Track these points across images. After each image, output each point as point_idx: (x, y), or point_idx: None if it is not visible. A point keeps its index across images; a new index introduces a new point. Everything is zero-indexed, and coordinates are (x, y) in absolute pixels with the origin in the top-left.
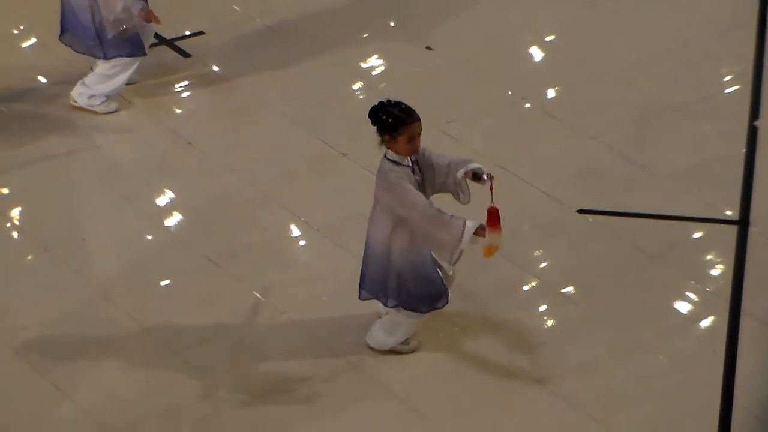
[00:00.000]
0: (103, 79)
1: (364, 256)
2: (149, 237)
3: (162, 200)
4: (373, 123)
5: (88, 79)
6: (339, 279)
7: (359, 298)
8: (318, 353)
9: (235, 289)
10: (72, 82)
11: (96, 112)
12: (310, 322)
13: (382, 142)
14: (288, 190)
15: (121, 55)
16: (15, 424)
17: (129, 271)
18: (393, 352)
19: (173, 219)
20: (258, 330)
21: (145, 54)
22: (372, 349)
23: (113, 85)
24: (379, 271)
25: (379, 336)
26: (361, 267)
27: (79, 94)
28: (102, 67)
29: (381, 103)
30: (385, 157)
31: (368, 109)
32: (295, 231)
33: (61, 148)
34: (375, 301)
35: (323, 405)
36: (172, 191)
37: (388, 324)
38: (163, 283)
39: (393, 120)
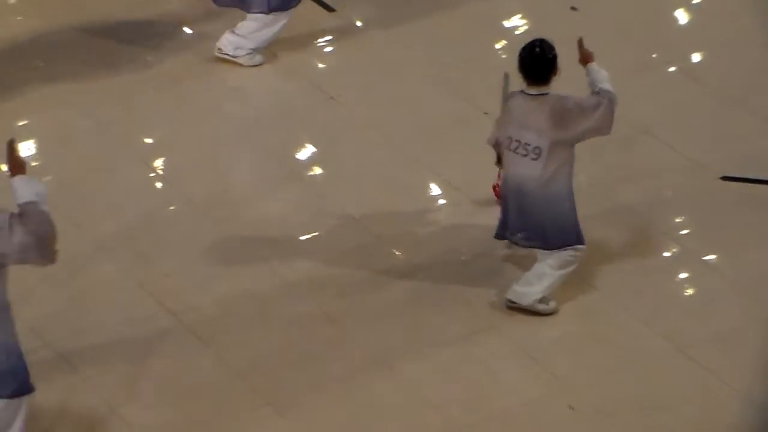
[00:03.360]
0: (256, 28)
1: (523, 202)
2: (289, 191)
3: (303, 155)
4: (545, 62)
5: (240, 29)
6: (477, 237)
7: (517, 243)
8: (457, 311)
9: (375, 246)
10: (215, 36)
11: (241, 64)
12: (450, 280)
13: (551, 77)
14: (429, 148)
15: (281, 9)
16: (159, 371)
17: (270, 222)
18: (533, 312)
19: (314, 174)
20: (399, 287)
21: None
22: (512, 305)
23: (264, 36)
24: (542, 214)
25: (522, 288)
26: (512, 215)
27: (228, 43)
28: (256, 17)
29: (536, 42)
30: (545, 93)
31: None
32: (435, 189)
33: (204, 99)
34: (511, 258)
35: (460, 363)
36: (314, 146)
37: (532, 276)
38: (303, 237)
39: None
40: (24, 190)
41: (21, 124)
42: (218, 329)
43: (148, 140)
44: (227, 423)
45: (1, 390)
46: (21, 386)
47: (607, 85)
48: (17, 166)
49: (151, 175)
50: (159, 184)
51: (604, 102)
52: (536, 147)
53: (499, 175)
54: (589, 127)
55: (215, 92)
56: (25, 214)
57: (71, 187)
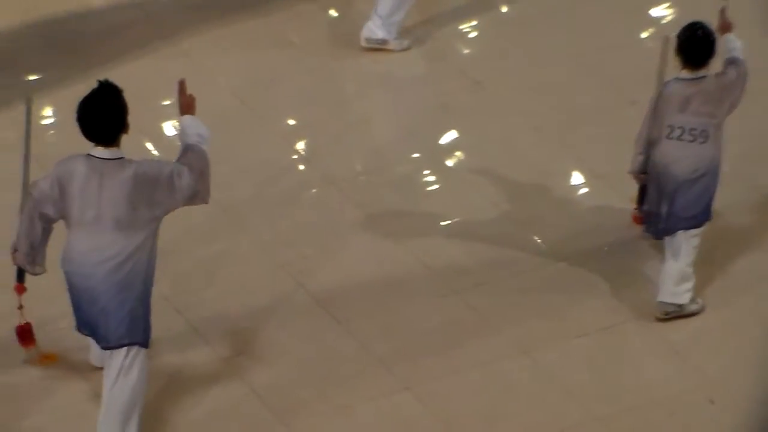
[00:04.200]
0: (393, 5)
1: (676, 192)
2: (432, 176)
3: (446, 140)
4: (708, 45)
5: (381, 8)
6: (618, 229)
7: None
8: (596, 303)
9: (517, 233)
10: (362, 17)
11: (391, 50)
12: (591, 270)
13: (711, 59)
14: (573, 135)
15: None
16: (299, 352)
17: (412, 207)
18: (682, 316)
19: (457, 159)
20: (538, 276)
21: None
22: (666, 316)
23: (401, 14)
24: (696, 196)
25: (670, 295)
26: (678, 205)
27: (375, 27)
28: None
29: (697, 25)
30: (704, 76)
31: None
32: (579, 178)
33: (350, 83)
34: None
35: (599, 354)
36: (457, 131)
37: (673, 278)
38: (443, 222)
39: None
40: (190, 130)
41: (165, 103)
42: (357, 313)
43: (292, 122)
44: (365, 405)
45: (130, 337)
46: (146, 338)
47: (740, 54)
48: (186, 105)
49: (294, 157)
50: (301, 166)
51: (742, 71)
52: (703, 130)
53: (637, 204)
54: (737, 99)
55: (361, 75)
56: (187, 152)
57: (216, 165)
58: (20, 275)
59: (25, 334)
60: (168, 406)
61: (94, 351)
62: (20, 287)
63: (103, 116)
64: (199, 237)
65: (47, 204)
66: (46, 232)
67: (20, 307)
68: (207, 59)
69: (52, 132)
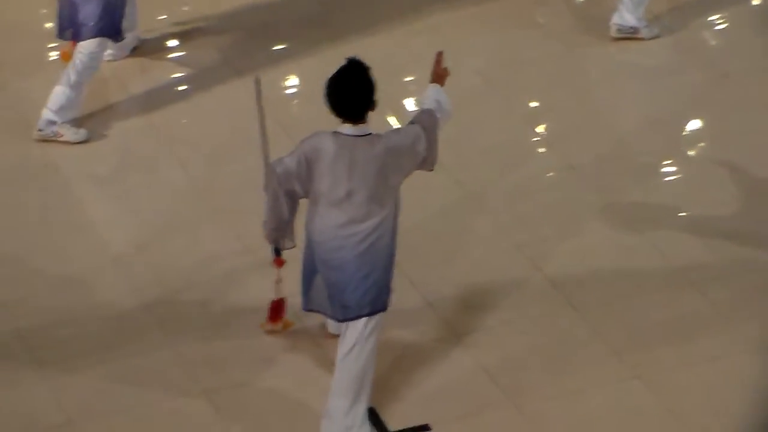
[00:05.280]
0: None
1: None
2: (671, 167)
3: (689, 130)
4: None
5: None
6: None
7: None
8: (686, 298)
9: (756, 230)
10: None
11: (641, 38)
12: (691, 268)
13: None
14: None
15: None
16: (529, 335)
17: (648, 198)
18: None
19: (698, 151)
20: (640, 275)
21: None
22: None
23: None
24: None
25: None
26: None
27: (629, 14)
28: None
29: None
30: None
31: None
32: None
33: (594, 71)
34: None
35: (695, 351)
36: (701, 122)
37: None
38: (682, 214)
39: None
40: (432, 95)
41: (408, 78)
42: (592, 299)
43: (535, 104)
44: (595, 391)
45: (373, 305)
46: (386, 304)
47: None
48: (438, 75)
49: (535, 139)
50: (542, 149)
51: None
52: None
53: None
54: None
55: (607, 63)
56: (422, 116)
57: (457, 143)
58: (277, 250)
59: (277, 309)
60: (398, 378)
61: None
62: (279, 261)
63: (353, 94)
64: (437, 214)
65: (293, 181)
66: (292, 207)
67: (278, 281)
68: (454, 37)
69: (296, 102)
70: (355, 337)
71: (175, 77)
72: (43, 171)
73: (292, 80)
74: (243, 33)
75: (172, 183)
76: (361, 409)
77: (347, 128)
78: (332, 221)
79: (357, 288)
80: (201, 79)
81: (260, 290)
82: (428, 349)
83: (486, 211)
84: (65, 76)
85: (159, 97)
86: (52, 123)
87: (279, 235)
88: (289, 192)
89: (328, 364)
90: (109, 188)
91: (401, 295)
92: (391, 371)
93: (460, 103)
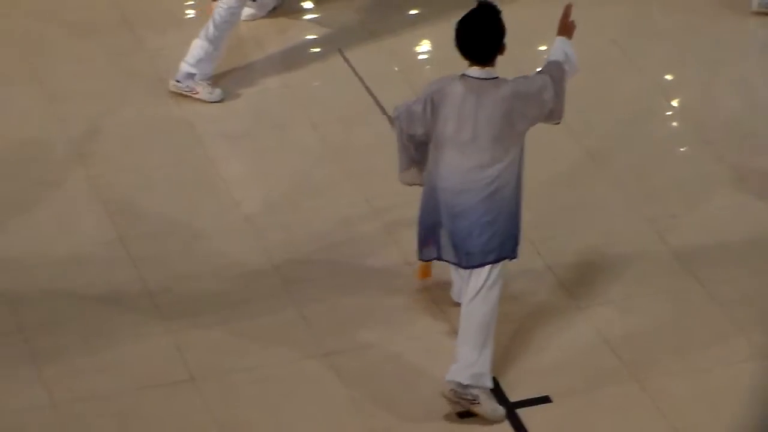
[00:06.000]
0: None
1: None
2: None
3: None
4: None
5: None
6: None
7: None
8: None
9: None
10: None
11: None
12: None
13: None
14: None
15: None
16: (656, 309)
17: None
18: None
19: None
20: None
21: None
22: None
23: None
24: None
25: None
26: None
27: None
28: None
29: None
30: None
31: None
32: None
33: (728, 46)
34: None
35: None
36: None
37: None
38: None
39: None
40: (560, 47)
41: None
42: (719, 275)
43: (669, 77)
44: (721, 370)
45: (499, 251)
46: (515, 251)
47: None
48: (565, 28)
49: (668, 112)
50: (675, 123)
51: None
52: None
53: None
54: None
55: (743, 36)
56: (551, 66)
57: (589, 111)
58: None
59: (425, 267)
60: (518, 348)
61: (455, 286)
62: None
63: (481, 36)
64: (565, 182)
65: (416, 125)
66: (421, 149)
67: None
68: (592, 7)
69: (428, 67)
70: (478, 286)
71: (311, 38)
72: (178, 127)
73: (425, 45)
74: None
75: (304, 144)
76: (488, 356)
77: (474, 71)
78: (457, 165)
79: (482, 234)
80: (336, 41)
81: (388, 253)
82: (549, 319)
83: (614, 182)
84: (204, 30)
85: (294, 58)
86: (190, 76)
87: (415, 175)
88: (411, 137)
89: (451, 332)
90: (241, 147)
91: (523, 261)
92: (511, 340)
93: (595, 71)
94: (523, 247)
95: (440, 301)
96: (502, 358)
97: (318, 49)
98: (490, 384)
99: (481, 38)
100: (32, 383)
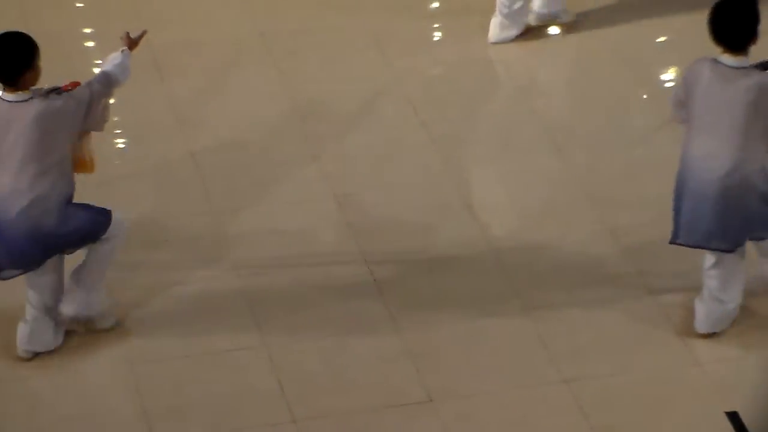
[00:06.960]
0: None
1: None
2: None
3: None
4: None
5: None
6: None
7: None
8: None
9: None
10: None
11: None
12: None
13: None
14: None
15: None
16: None
17: None
18: None
19: None
20: None
21: None
22: None
23: None
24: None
25: None
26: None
27: None
28: None
29: None
30: None
31: None
32: None
33: None
34: None
35: None
36: None
37: None
38: None
39: None
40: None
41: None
42: None
43: None
44: None
45: (755, 232)
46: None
47: None
48: None
49: None
50: None
51: None
52: None
53: None
54: None
55: None
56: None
57: None
58: None
59: None
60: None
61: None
62: None
63: (735, 22)
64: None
65: (681, 110)
66: None
67: None
68: None
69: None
70: (727, 270)
71: (559, 62)
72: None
73: (673, 72)
74: (633, 22)
75: (547, 169)
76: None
77: (726, 58)
78: (699, 151)
79: (726, 218)
80: (586, 67)
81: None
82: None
83: None
84: None
85: (541, 82)
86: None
87: None
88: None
89: (690, 363)
90: (487, 171)
91: None
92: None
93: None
94: None
95: (680, 331)
96: None
97: (567, 74)
98: None
99: (734, 24)
100: (276, 399)
